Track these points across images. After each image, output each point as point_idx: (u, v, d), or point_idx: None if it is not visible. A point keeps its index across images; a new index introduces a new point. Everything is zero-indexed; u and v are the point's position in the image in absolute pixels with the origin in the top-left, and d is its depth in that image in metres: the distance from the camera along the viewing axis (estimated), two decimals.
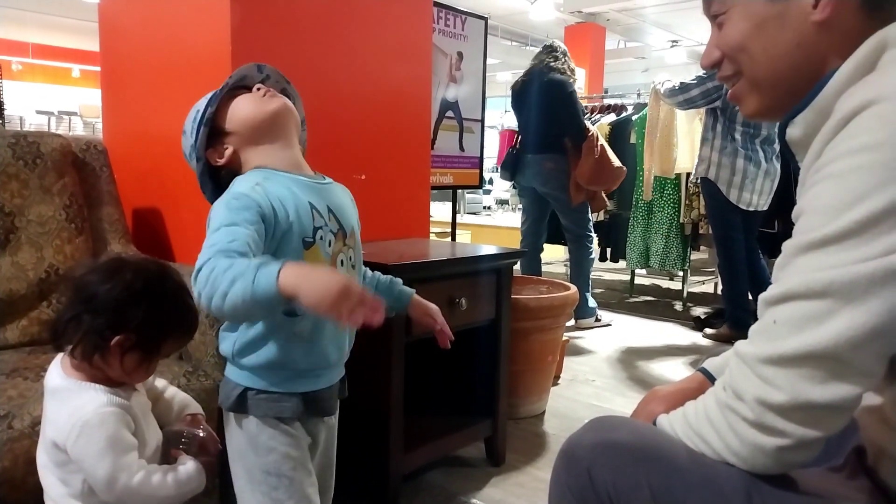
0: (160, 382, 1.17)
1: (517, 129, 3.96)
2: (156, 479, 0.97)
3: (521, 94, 3.71)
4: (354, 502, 1.66)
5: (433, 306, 1.30)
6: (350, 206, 1.17)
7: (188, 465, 1.03)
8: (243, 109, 1.09)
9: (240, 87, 1.13)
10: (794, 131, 0.77)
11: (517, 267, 2.05)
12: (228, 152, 1.10)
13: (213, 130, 1.09)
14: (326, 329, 1.07)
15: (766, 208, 3.39)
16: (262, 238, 0.97)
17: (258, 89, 1.10)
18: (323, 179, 1.13)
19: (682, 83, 3.46)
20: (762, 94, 0.81)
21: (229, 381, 1.08)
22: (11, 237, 1.60)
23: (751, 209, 3.34)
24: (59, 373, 1.00)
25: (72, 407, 0.96)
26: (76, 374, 0.99)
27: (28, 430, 1.14)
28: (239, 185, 1.03)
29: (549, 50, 3.64)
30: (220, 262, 0.88)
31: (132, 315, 0.96)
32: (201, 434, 1.10)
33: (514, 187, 4.09)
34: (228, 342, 1.07)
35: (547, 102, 3.55)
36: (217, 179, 1.14)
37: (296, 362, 1.06)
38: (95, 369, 0.98)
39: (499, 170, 4.18)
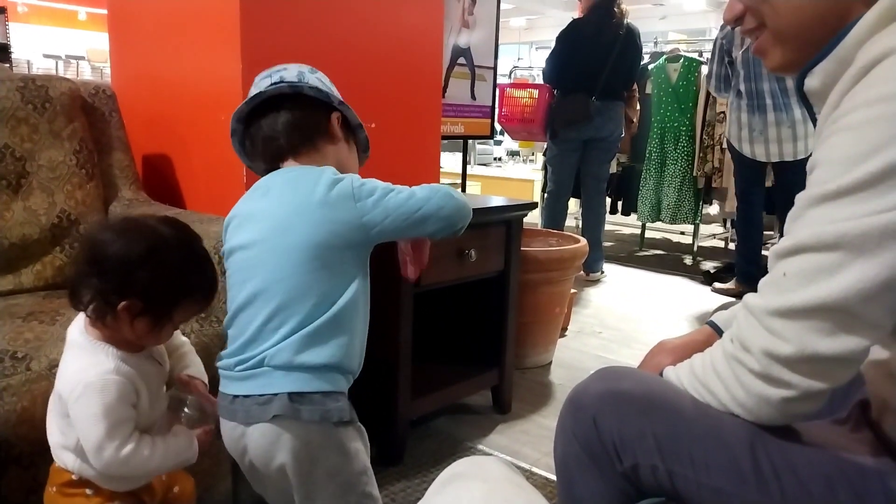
0: (180, 339, 1.16)
1: (558, 78, 3.65)
2: (145, 452, 0.96)
3: (594, 36, 3.49)
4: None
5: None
6: None
7: (179, 438, 1.02)
8: (350, 169, 1.15)
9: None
10: (813, 82, 0.75)
11: (533, 219, 2.05)
12: (335, 141, 1.14)
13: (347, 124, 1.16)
14: None
15: (789, 158, 3.24)
16: None
17: None
18: None
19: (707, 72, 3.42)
20: (786, 46, 0.78)
21: (328, 396, 0.99)
22: (23, 182, 1.60)
23: (774, 160, 3.24)
24: (78, 327, 1.00)
25: (80, 365, 0.96)
26: (93, 332, 0.98)
27: (45, 372, 1.16)
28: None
29: None
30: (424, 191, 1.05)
31: (138, 279, 0.93)
32: (201, 402, 1.09)
33: (552, 139, 3.71)
34: (331, 349, 0.99)
35: (627, 50, 3.52)
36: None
37: (360, 359, 1.10)
38: (111, 329, 0.97)
39: (550, 127, 3.64)
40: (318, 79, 1.13)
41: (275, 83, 1.09)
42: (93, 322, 0.97)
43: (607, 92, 3.51)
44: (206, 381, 1.14)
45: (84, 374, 0.94)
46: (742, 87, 3.23)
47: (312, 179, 1.03)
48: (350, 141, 1.17)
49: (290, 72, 1.11)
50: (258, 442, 0.98)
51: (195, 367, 1.14)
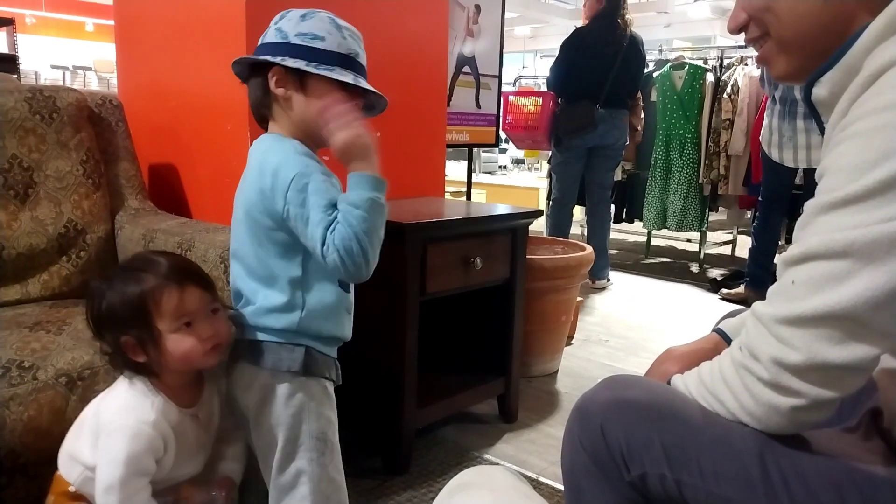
0: (236, 448, 1.14)
1: (563, 83, 3.63)
2: None
3: (597, 44, 3.49)
4: (369, 456, 1.70)
5: None
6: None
7: None
8: (316, 116, 1.05)
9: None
10: (821, 91, 0.75)
11: (539, 227, 2.05)
12: (284, 95, 1.06)
13: (294, 72, 1.05)
14: (349, 306, 1.14)
15: (815, 165, 3.32)
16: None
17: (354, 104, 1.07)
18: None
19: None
20: (790, 54, 0.78)
21: (283, 344, 1.06)
22: (30, 192, 1.61)
23: (802, 166, 3.25)
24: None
25: (127, 404, 0.99)
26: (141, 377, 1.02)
27: (52, 381, 1.17)
28: (306, 157, 1.04)
29: None
30: (344, 227, 0.97)
31: (106, 320, 0.98)
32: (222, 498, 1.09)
33: (557, 146, 3.71)
34: (286, 319, 1.06)
35: (630, 58, 3.52)
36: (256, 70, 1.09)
37: (344, 332, 1.13)
38: (158, 378, 1.01)
39: (555, 134, 3.65)
40: (277, 29, 1.06)
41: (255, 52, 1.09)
42: (145, 376, 1.01)
43: (612, 100, 3.51)
44: (238, 480, 1.14)
45: (125, 414, 0.97)
46: (777, 94, 3.23)
47: (265, 165, 1.04)
48: (306, 89, 1.06)
49: (268, 32, 1.08)
50: (231, 379, 1.10)
51: (233, 470, 1.13)
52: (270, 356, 1.06)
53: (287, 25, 1.05)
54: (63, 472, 1.02)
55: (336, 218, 0.99)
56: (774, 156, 3.28)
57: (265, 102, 1.09)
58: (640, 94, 3.88)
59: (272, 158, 1.03)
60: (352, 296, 1.13)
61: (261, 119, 1.13)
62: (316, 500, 1.07)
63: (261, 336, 1.07)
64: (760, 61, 0.82)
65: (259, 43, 1.08)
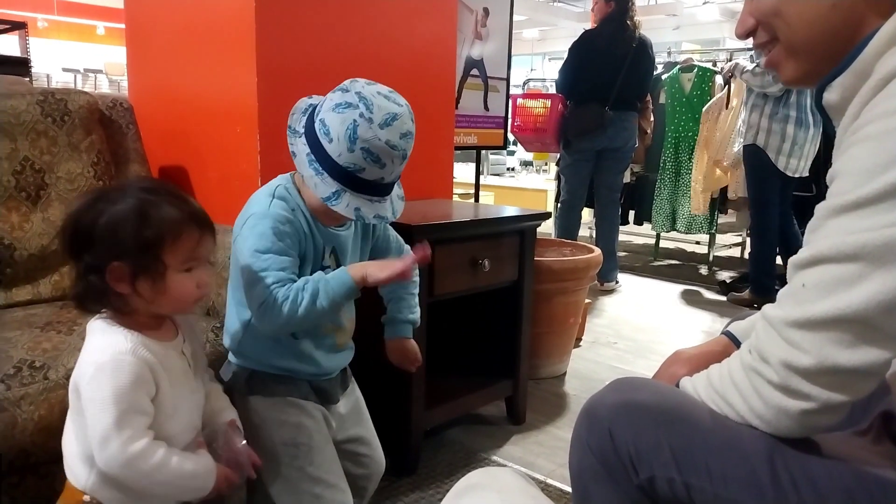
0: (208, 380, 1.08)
1: (571, 89, 3.64)
2: (155, 457, 0.86)
3: (606, 47, 3.49)
4: None
5: (413, 352, 1.32)
6: (353, 247, 1.19)
7: (202, 461, 0.93)
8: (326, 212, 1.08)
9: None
10: (831, 95, 0.74)
11: (547, 229, 2.04)
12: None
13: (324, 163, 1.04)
14: (323, 348, 1.15)
15: (806, 174, 3.35)
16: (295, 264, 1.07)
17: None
18: (341, 225, 1.16)
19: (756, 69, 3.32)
20: (799, 59, 0.78)
21: (231, 364, 1.16)
22: (42, 193, 1.62)
23: (795, 175, 3.30)
24: (100, 316, 0.94)
25: (94, 346, 0.89)
26: (116, 320, 0.92)
27: (63, 381, 1.17)
28: (275, 207, 1.06)
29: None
30: (290, 288, 1.00)
31: (102, 240, 0.86)
32: (240, 445, 1.02)
33: (566, 148, 3.71)
34: (230, 339, 1.15)
35: (639, 60, 3.52)
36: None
37: (298, 366, 1.14)
38: (128, 315, 0.90)
39: (564, 137, 3.64)
40: (320, 121, 1.05)
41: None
42: (111, 315, 0.91)
43: (621, 102, 3.51)
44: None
45: (96, 355, 0.87)
46: (794, 98, 3.22)
47: (245, 208, 1.10)
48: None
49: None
50: None
51: (230, 410, 1.08)
52: (225, 370, 1.17)
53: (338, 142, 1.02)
54: (72, 479, 0.92)
55: (269, 260, 1.01)
56: (780, 163, 3.26)
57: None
58: (649, 97, 3.88)
59: (254, 196, 1.10)
60: (307, 344, 1.13)
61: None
62: (303, 500, 1.10)
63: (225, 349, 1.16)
64: (769, 66, 0.82)
65: (311, 116, 1.07)
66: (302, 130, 1.07)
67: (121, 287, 0.87)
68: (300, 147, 1.06)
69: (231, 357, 1.18)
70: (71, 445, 0.93)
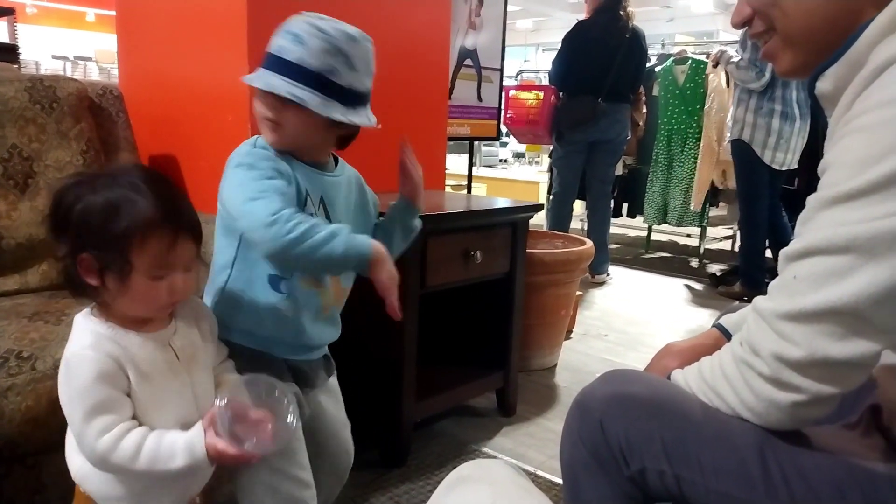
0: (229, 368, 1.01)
1: (564, 78, 3.62)
2: (127, 446, 0.81)
3: (599, 39, 3.47)
4: (368, 448, 1.70)
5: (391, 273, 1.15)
6: (346, 202, 1.12)
7: (181, 434, 0.84)
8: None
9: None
10: (825, 85, 0.74)
11: (539, 221, 2.04)
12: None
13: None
14: (306, 312, 1.07)
15: (794, 166, 3.36)
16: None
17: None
18: (331, 172, 1.10)
19: (740, 65, 3.29)
20: (796, 50, 0.77)
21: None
22: (30, 182, 1.60)
23: (783, 168, 3.32)
24: (83, 311, 0.90)
25: (68, 342, 0.86)
26: (90, 311, 0.88)
27: (50, 372, 1.16)
28: (260, 150, 1.01)
29: None
30: (299, 216, 0.93)
31: (72, 228, 0.82)
32: (268, 429, 0.87)
33: (558, 140, 3.71)
34: (209, 298, 1.07)
35: (632, 52, 3.50)
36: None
37: (277, 334, 1.06)
38: (107, 307, 0.86)
39: (556, 129, 3.64)
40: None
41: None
42: (93, 308, 0.88)
43: (613, 94, 3.50)
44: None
45: (67, 351, 0.84)
46: (779, 92, 3.22)
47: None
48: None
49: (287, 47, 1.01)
50: None
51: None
52: None
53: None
54: (83, 488, 0.89)
55: (264, 189, 0.95)
56: (766, 157, 3.27)
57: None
58: (642, 89, 3.88)
59: (237, 149, 1.04)
60: (293, 301, 1.05)
61: None
62: (256, 491, 1.05)
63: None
64: (765, 57, 0.81)
65: (278, 54, 1.01)
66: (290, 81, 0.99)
67: (90, 278, 0.83)
68: (339, 116, 1.00)
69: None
70: (73, 460, 0.90)
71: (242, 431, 0.85)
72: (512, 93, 3.92)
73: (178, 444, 0.83)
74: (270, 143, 1.03)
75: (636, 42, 3.53)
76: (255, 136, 1.06)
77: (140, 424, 0.84)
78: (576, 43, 3.55)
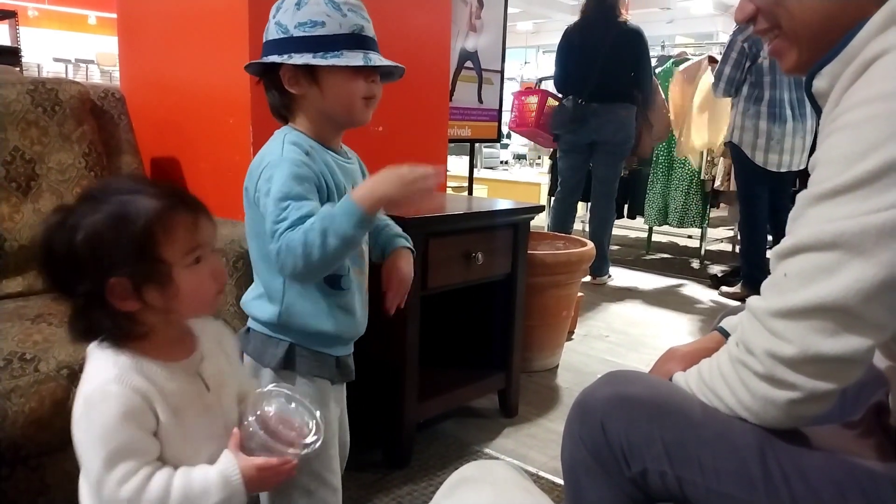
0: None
1: (560, 82, 3.69)
2: (153, 491, 0.73)
3: (581, 41, 3.52)
4: (370, 449, 1.70)
5: (405, 273, 1.16)
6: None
7: (213, 468, 0.77)
8: (344, 105, 1.04)
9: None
10: (821, 83, 0.74)
11: (540, 223, 2.05)
12: (300, 92, 1.03)
13: (304, 67, 1.00)
14: (358, 299, 1.10)
15: (801, 166, 3.34)
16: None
17: (371, 81, 1.05)
18: (348, 159, 1.12)
19: (715, 73, 3.36)
20: (802, 47, 0.77)
21: (271, 338, 1.05)
22: (33, 184, 1.61)
23: (782, 170, 3.29)
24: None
25: (85, 375, 0.77)
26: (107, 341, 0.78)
27: (53, 374, 1.17)
28: (289, 152, 1.00)
29: None
30: (299, 230, 0.93)
31: (85, 258, 0.72)
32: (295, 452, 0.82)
33: (557, 142, 3.79)
34: (269, 310, 1.05)
35: (621, 51, 3.48)
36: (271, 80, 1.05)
37: (337, 330, 1.08)
38: (139, 337, 0.76)
39: (554, 128, 3.70)
40: (276, 24, 1.02)
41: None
42: (117, 344, 0.76)
43: (603, 94, 3.49)
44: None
45: (87, 384, 0.75)
46: (766, 94, 3.22)
47: (259, 154, 1.04)
48: (319, 82, 1.02)
49: (269, 28, 1.03)
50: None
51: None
52: (254, 346, 1.07)
53: (285, 18, 1.00)
54: None
55: (288, 208, 0.95)
56: (759, 159, 3.26)
57: (284, 102, 1.05)
58: (659, 89, 3.86)
59: (264, 148, 1.04)
60: (352, 294, 1.08)
61: (281, 119, 1.09)
62: (293, 494, 1.05)
63: (252, 324, 1.08)
64: (773, 54, 0.81)
65: (263, 40, 1.04)
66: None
67: (128, 305, 0.74)
68: (298, 60, 1.00)
69: (259, 327, 1.07)
70: (84, 493, 0.80)
71: (277, 441, 0.81)
72: (521, 98, 4.02)
73: (210, 479, 0.76)
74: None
75: (626, 41, 3.49)
76: (284, 133, 1.04)
77: (164, 465, 0.75)
78: (562, 49, 3.63)
